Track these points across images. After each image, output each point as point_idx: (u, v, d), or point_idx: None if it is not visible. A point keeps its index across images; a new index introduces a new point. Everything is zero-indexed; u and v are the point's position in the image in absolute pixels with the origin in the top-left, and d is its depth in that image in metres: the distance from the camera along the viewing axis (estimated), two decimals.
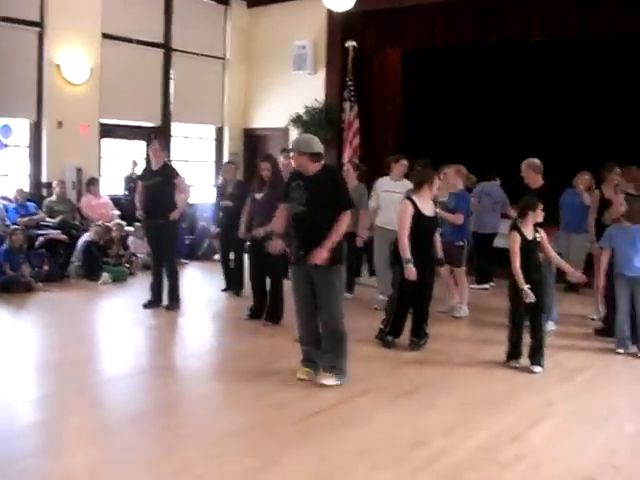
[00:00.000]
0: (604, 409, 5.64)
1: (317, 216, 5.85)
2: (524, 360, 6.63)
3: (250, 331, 7.87)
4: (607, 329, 7.77)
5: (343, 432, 4.96)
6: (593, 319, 8.56)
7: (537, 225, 6.68)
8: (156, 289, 8.89)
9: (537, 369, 6.52)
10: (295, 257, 6.04)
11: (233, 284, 9.86)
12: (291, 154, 6.24)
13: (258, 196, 8.16)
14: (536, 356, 6.56)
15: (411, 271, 6.92)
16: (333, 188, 5.95)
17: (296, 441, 4.79)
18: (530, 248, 6.59)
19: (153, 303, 8.84)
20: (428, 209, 7.23)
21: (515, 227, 6.64)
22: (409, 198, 7.24)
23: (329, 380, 5.94)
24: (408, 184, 8.23)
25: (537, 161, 8.04)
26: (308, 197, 5.87)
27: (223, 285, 10.10)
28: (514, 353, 6.67)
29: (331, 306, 5.97)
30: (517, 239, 6.53)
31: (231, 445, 4.69)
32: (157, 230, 8.74)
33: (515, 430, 5.08)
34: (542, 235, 6.70)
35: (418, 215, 7.12)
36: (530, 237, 6.60)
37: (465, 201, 8.85)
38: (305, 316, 6.13)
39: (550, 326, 7.79)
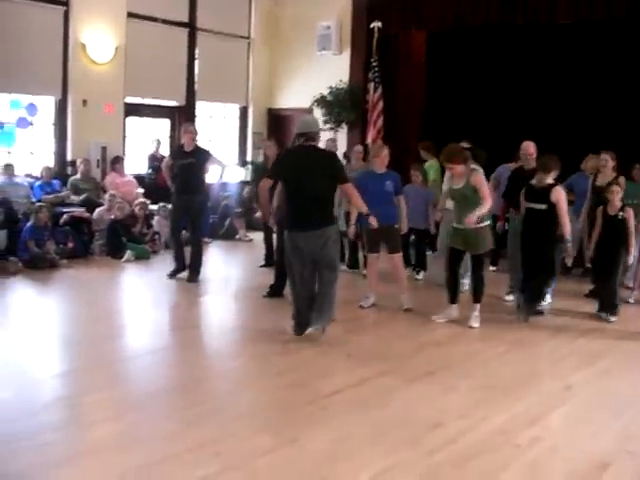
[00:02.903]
0: (623, 395, 5.62)
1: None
2: None
3: (270, 310, 7.92)
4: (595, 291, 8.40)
5: (361, 412, 4.99)
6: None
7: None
8: (180, 258, 9.30)
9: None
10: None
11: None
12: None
13: None
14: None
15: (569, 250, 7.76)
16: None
17: (314, 420, 4.83)
18: None
19: (178, 271, 9.26)
20: None
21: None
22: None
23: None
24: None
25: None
26: None
27: (252, 262, 10.33)
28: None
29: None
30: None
31: (249, 423, 4.74)
32: (186, 205, 9.13)
33: (533, 414, 5.09)
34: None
35: None
36: None
37: None
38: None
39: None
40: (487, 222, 7.37)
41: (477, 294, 7.46)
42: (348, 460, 4.22)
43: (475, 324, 7.35)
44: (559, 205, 7.46)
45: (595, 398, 5.52)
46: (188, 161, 9.08)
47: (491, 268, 10.41)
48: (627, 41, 12.39)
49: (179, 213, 9.35)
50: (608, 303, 7.87)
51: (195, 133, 9.40)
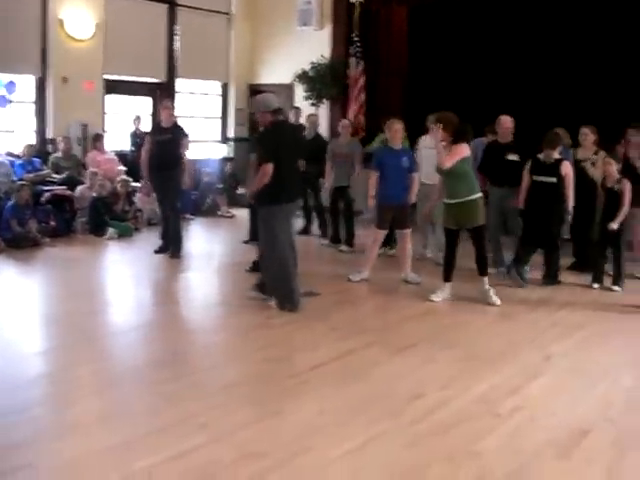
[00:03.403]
0: (601, 364, 5.71)
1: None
2: None
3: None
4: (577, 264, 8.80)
5: (343, 385, 5.04)
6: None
7: None
8: (167, 236, 9.38)
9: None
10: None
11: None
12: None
13: None
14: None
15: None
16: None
17: (296, 393, 4.88)
18: None
19: (164, 249, 9.35)
20: None
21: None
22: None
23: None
24: None
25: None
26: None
27: (234, 238, 10.41)
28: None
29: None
30: None
31: (233, 396, 4.79)
32: (163, 181, 9.14)
33: (513, 384, 5.17)
34: None
35: None
36: None
37: None
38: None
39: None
40: (478, 194, 7.27)
41: (482, 267, 7.39)
42: (331, 431, 4.28)
43: (495, 299, 7.28)
44: (568, 178, 7.86)
45: (574, 368, 5.60)
46: (166, 137, 9.10)
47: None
48: (611, 14, 12.38)
49: (158, 192, 9.37)
50: (616, 273, 8.09)
51: (173, 109, 9.41)
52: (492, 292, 7.32)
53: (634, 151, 8.60)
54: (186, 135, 9.40)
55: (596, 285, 8.13)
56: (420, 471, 3.85)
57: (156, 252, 9.35)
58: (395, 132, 8.04)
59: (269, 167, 6.58)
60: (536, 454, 4.09)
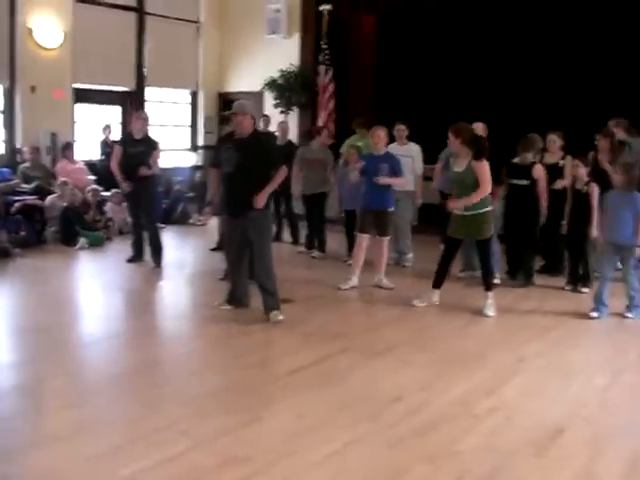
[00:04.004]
0: (574, 364, 5.82)
1: (246, 176, 6.56)
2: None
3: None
4: (546, 267, 8.97)
5: (321, 389, 5.09)
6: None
7: None
8: (138, 245, 9.38)
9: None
10: (227, 210, 6.85)
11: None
12: (238, 115, 6.70)
13: None
14: None
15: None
16: (263, 151, 6.73)
17: (276, 398, 4.91)
18: None
19: (136, 257, 9.36)
20: None
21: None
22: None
23: (280, 316, 6.65)
24: (413, 146, 9.29)
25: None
26: (239, 159, 6.57)
27: (206, 246, 10.37)
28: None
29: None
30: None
31: (212, 403, 4.80)
32: (136, 192, 9.07)
33: (489, 385, 5.25)
34: None
35: None
36: None
37: None
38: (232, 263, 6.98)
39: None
40: (489, 207, 7.22)
41: (488, 282, 7.32)
42: (312, 435, 4.32)
43: (490, 312, 7.17)
44: (541, 181, 8.17)
45: (548, 368, 5.70)
46: (138, 150, 9.06)
47: (442, 246, 10.62)
48: (579, 18, 12.57)
49: (131, 201, 9.33)
50: (583, 275, 8.24)
51: (147, 120, 9.38)
52: (491, 307, 7.22)
53: (603, 155, 8.73)
54: (158, 147, 9.37)
55: (568, 287, 8.26)
56: (401, 472, 3.90)
57: (128, 261, 9.31)
58: (378, 138, 8.12)
59: (285, 170, 6.87)
60: (513, 453, 4.17)
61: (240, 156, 6.58)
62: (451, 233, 7.43)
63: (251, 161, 6.59)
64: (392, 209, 8.21)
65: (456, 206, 7.17)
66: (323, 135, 10.27)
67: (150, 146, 9.20)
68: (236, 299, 7.05)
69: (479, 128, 8.61)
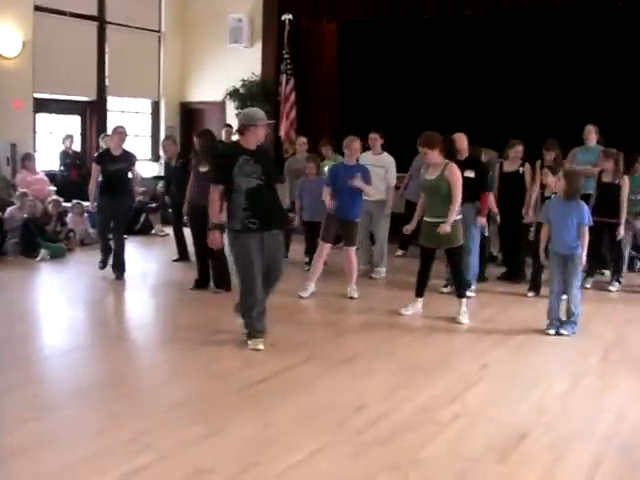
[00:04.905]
0: (535, 371, 5.90)
1: (272, 187, 6.24)
2: None
3: (193, 302, 8.02)
4: (508, 274, 9.14)
5: (286, 399, 5.10)
6: None
7: None
8: (107, 257, 9.23)
9: None
10: (249, 226, 6.10)
11: (185, 255, 10.13)
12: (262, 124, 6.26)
13: (203, 169, 8.27)
14: None
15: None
16: (271, 161, 6.49)
17: (241, 408, 4.91)
18: None
19: (105, 263, 9.25)
20: None
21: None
22: None
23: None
24: (386, 157, 9.28)
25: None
26: (263, 170, 6.12)
27: (169, 256, 10.38)
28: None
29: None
30: None
31: (178, 414, 4.79)
32: (114, 207, 9.00)
33: (452, 392, 5.30)
34: None
35: None
36: None
37: None
38: (258, 281, 6.20)
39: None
40: (459, 216, 7.25)
41: (460, 289, 7.38)
42: (278, 444, 4.33)
43: (464, 320, 7.24)
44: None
45: (510, 375, 5.77)
46: (118, 167, 9.01)
47: (399, 252, 10.77)
48: (535, 31, 12.81)
49: (106, 215, 9.12)
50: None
51: (125, 134, 9.29)
52: (465, 314, 7.29)
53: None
54: (135, 160, 9.35)
55: (531, 294, 8.35)
56: None
57: (101, 268, 9.22)
58: (354, 149, 8.20)
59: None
60: (477, 459, 4.22)
61: (262, 168, 6.14)
62: (422, 242, 7.44)
63: (273, 173, 6.38)
64: (358, 220, 8.23)
65: (446, 230, 7.05)
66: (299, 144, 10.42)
67: (129, 161, 9.18)
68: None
69: (462, 139, 8.49)
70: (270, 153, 6.87)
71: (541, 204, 8.08)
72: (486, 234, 8.91)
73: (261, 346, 6.20)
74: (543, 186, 8.22)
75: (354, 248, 8.25)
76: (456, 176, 7.16)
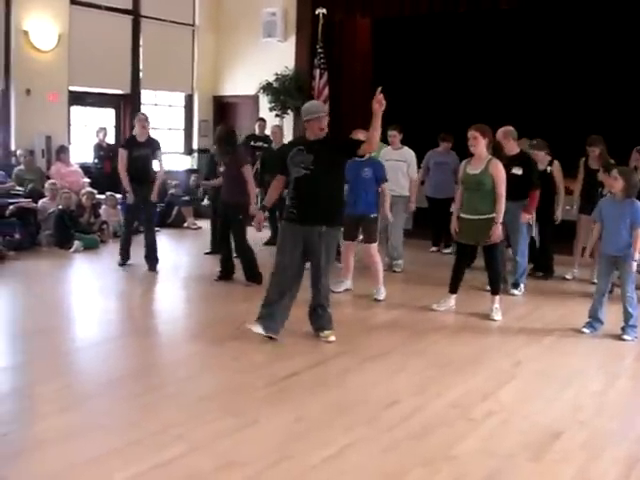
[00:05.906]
0: (570, 369, 5.83)
1: (325, 179, 6.07)
2: None
3: (224, 294, 8.04)
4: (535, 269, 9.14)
5: (318, 393, 5.08)
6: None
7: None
8: (128, 249, 9.33)
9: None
10: (292, 216, 6.17)
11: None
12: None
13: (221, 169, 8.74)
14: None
15: None
16: (331, 149, 6.19)
17: (272, 402, 4.90)
18: None
19: (126, 261, 9.34)
20: None
21: None
22: None
23: (332, 337, 6.30)
24: (407, 151, 9.29)
25: (512, 128, 8.28)
26: (314, 160, 6.06)
27: (201, 249, 10.46)
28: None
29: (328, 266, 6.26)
30: None
31: (209, 406, 4.79)
32: (140, 195, 9.10)
33: (485, 389, 5.25)
34: None
35: None
36: None
37: None
38: (287, 271, 6.20)
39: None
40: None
41: (495, 286, 7.31)
42: (309, 439, 4.31)
43: (497, 317, 7.19)
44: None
45: (543, 372, 5.71)
46: (144, 152, 9.10)
47: (432, 248, 10.76)
48: (574, 25, 12.66)
49: (136, 204, 9.22)
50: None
51: (148, 122, 9.35)
52: (498, 311, 7.23)
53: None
54: (161, 147, 9.41)
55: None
56: (398, 476, 3.89)
57: (121, 265, 9.26)
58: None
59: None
60: (510, 456, 4.17)
61: (314, 158, 6.08)
62: (460, 239, 7.37)
63: (330, 161, 6.16)
64: (376, 215, 7.97)
65: (498, 234, 7.02)
66: None
67: (154, 147, 9.25)
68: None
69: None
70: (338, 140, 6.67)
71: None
72: (533, 234, 8.79)
73: (260, 330, 6.13)
74: (601, 184, 8.06)
75: (375, 245, 7.97)
76: (501, 172, 7.06)
